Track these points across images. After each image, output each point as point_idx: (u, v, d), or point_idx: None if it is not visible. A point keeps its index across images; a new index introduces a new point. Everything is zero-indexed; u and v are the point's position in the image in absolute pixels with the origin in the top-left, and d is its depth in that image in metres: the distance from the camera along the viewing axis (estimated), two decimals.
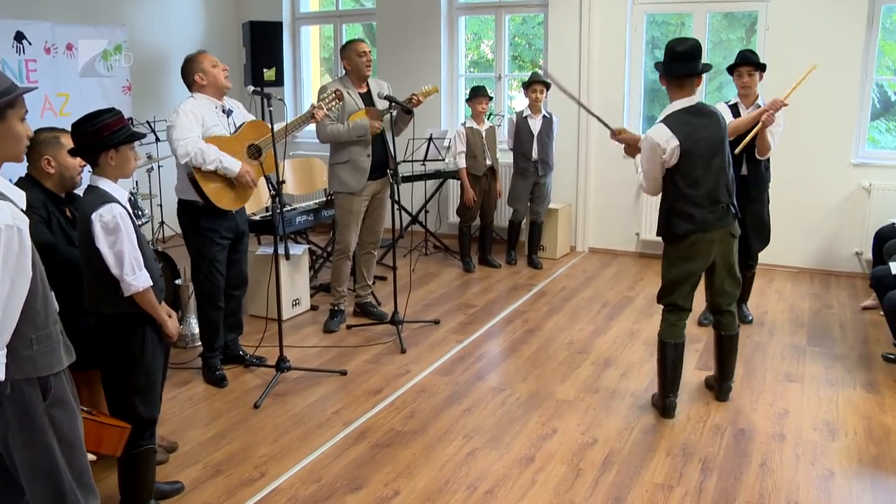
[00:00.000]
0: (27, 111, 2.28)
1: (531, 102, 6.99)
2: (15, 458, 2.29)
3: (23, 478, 2.31)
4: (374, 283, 5.96)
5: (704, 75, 4.25)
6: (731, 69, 5.39)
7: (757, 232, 5.38)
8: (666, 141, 3.90)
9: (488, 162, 7.13)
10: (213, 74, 4.50)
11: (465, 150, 7.01)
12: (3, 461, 2.34)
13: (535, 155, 7.01)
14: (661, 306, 4.25)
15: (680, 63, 3.93)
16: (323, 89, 5.20)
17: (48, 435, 2.29)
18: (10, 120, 2.19)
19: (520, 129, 7.05)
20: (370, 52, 5.38)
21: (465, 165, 7.03)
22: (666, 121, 3.97)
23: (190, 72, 4.51)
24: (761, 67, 5.27)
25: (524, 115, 7.05)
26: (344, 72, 5.44)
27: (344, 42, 5.51)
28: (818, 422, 4.14)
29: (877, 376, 4.72)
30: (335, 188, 5.48)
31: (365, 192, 5.43)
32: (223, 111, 4.58)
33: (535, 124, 7.01)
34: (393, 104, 5.23)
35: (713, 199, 4.00)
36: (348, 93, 5.27)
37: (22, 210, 2.18)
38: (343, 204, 5.45)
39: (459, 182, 7.19)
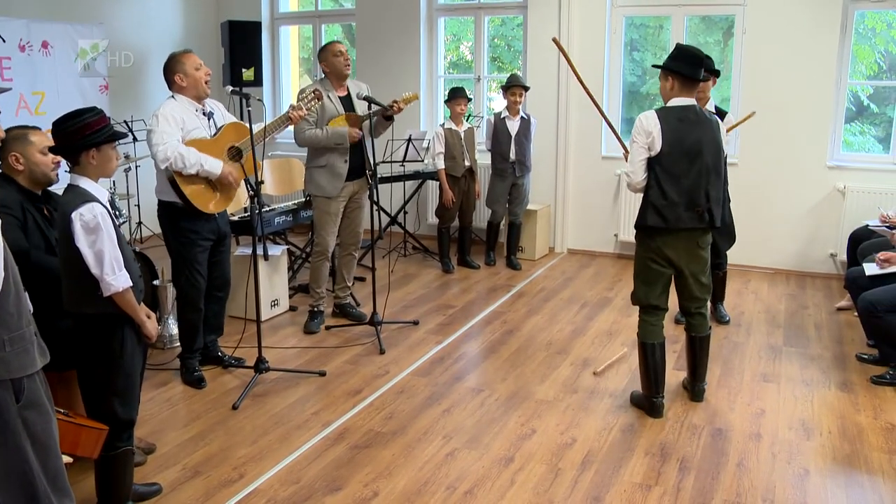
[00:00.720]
0: (0, 111, 2.26)
1: (510, 105, 7.03)
2: None
3: None
4: (353, 284, 5.96)
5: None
6: None
7: (720, 233, 5.44)
8: (652, 126, 4.01)
9: (467, 163, 7.14)
10: (194, 77, 4.42)
11: (443, 151, 7.02)
12: None
13: (512, 156, 7.04)
14: (638, 308, 4.31)
15: (690, 66, 4.04)
16: (302, 91, 5.18)
17: (21, 437, 2.25)
18: None
19: (497, 130, 7.07)
20: (347, 51, 5.37)
21: (443, 166, 7.04)
22: (659, 110, 4.09)
23: (171, 70, 4.43)
24: (715, 73, 5.35)
25: (502, 116, 7.07)
26: (323, 75, 5.43)
27: (322, 45, 5.47)
28: (794, 421, 4.19)
29: (851, 376, 4.78)
30: (311, 191, 5.48)
31: (342, 194, 5.43)
32: (204, 113, 4.51)
33: (513, 126, 7.04)
34: (372, 107, 5.21)
35: (690, 200, 4.04)
36: (328, 96, 5.27)
37: None
38: (320, 206, 5.45)
39: (438, 183, 7.20)
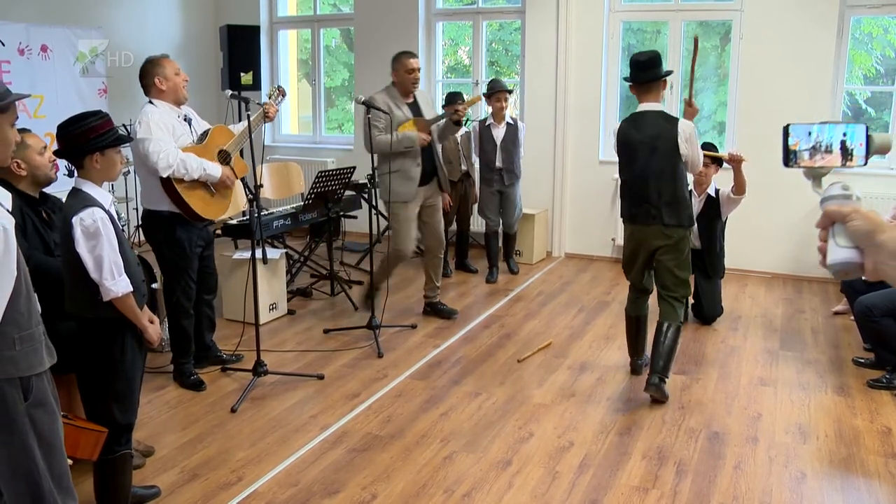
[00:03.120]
0: (17, 117, 2.29)
1: (495, 111, 6.87)
2: None
3: (1, 478, 2.30)
4: (440, 283, 6.08)
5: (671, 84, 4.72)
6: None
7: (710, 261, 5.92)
8: (616, 130, 4.52)
9: (464, 167, 7.16)
10: (174, 82, 4.42)
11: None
12: None
13: (499, 163, 6.85)
14: None
15: (642, 71, 4.37)
16: (372, 100, 5.33)
17: (28, 436, 2.28)
18: (2, 125, 2.21)
19: (483, 138, 6.92)
20: (419, 69, 5.54)
21: None
22: (624, 118, 4.55)
23: (150, 74, 4.40)
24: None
25: (487, 123, 6.92)
26: (391, 82, 5.56)
27: (395, 54, 5.59)
28: (791, 425, 4.21)
29: (847, 380, 4.80)
30: (387, 197, 5.56)
31: (417, 197, 5.57)
32: (184, 119, 4.53)
33: (499, 133, 6.86)
34: (441, 116, 5.54)
35: (638, 195, 4.40)
36: (396, 104, 5.42)
37: (7, 210, 2.17)
38: (397, 212, 5.56)
39: None
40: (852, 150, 1.35)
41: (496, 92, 6.79)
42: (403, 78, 5.47)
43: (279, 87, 5.09)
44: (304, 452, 3.88)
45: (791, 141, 1.35)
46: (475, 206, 7.47)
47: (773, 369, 4.99)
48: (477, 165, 7.20)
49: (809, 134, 1.34)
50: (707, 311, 5.83)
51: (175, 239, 4.47)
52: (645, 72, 4.36)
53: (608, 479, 3.64)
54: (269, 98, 4.94)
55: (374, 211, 5.48)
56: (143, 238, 7.74)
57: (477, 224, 7.81)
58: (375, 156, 5.33)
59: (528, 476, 3.66)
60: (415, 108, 5.54)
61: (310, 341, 5.48)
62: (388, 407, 4.42)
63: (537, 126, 7.50)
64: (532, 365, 5.05)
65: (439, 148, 5.74)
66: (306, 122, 9.62)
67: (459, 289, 6.84)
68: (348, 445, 3.96)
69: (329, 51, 9.74)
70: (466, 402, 4.50)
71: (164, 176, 4.27)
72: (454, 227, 7.42)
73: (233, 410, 4.34)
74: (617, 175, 4.54)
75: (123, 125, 7.08)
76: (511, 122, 6.91)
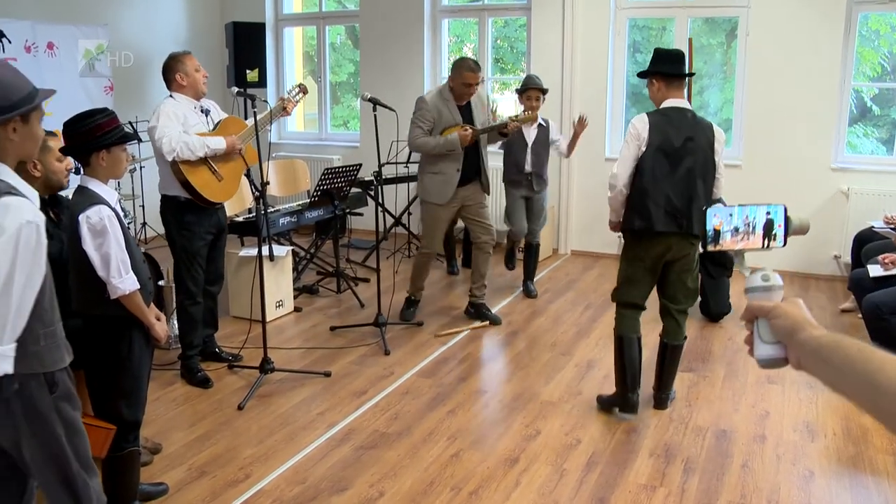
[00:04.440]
0: (44, 113, 2.35)
1: (526, 110, 6.15)
2: (24, 450, 2.33)
3: (33, 468, 2.37)
4: (487, 283, 5.94)
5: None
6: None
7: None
8: (642, 127, 3.99)
9: None
10: (194, 78, 4.59)
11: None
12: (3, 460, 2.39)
13: (528, 167, 6.22)
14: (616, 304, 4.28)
15: (676, 64, 4.05)
16: (422, 100, 5.40)
17: (57, 426, 2.35)
18: (33, 122, 2.27)
19: (513, 136, 6.11)
20: (477, 85, 5.44)
21: None
22: (650, 112, 4.08)
23: (172, 70, 4.58)
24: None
25: None
26: (448, 83, 5.51)
27: (455, 60, 5.59)
28: (798, 423, 4.20)
29: None
30: (423, 196, 5.59)
31: (453, 201, 5.54)
32: (202, 110, 4.67)
33: (530, 134, 6.23)
34: (491, 128, 5.53)
35: (670, 202, 3.96)
36: (447, 106, 5.41)
37: (37, 207, 2.23)
38: (429, 211, 5.59)
39: None
40: (774, 232, 1.37)
41: (528, 89, 6.22)
42: (461, 90, 5.41)
43: (302, 84, 5.10)
44: (311, 450, 3.88)
45: (714, 221, 1.36)
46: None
47: None
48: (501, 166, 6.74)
49: (731, 215, 1.35)
50: (714, 309, 5.82)
51: (184, 223, 4.58)
52: (679, 65, 4.06)
53: (616, 477, 3.63)
54: (290, 94, 4.99)
55: (380, 208, 5.47)
56: (149, 235, 7.79)
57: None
58: (418, 154, 5.40)
59: (536, 474, 3.66)
60: (466, 110, 5.48)
61: (316, 339, 5.49)
62: (395, 404, 4.42)
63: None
64: (539, 363, 5.04)
65: (485, 151, 5.65)
66: (312, 119, 9.62)
67: (466, 286, 6.78)
68: (355, 443, 3.96)
69: (334, 47, 9.73)
70: (473, 399, 4.49)
71: (170, 159, 4.40)
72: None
73: (240, 408, 4.34)
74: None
75: (129, 122, 7.09)
76: (543, 123, 6.34)
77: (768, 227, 1.36)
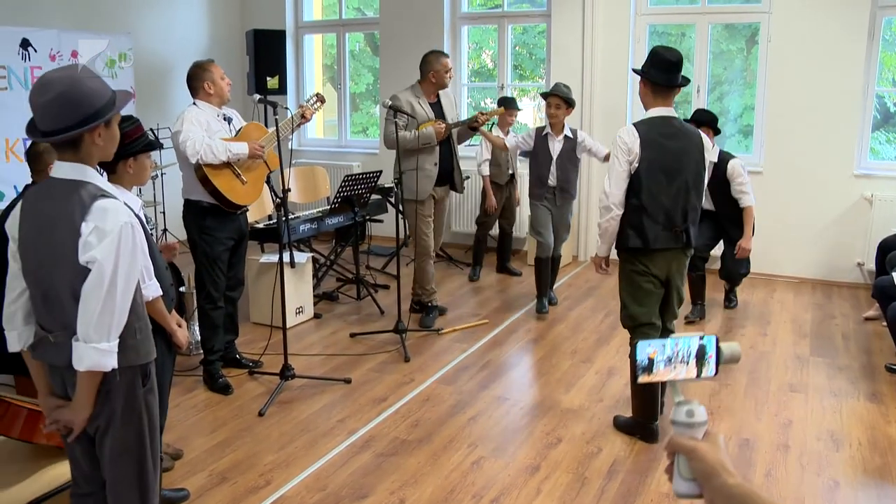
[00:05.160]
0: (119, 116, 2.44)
1: (549, 118, 6.03)
2: (108, 440, 2.38)
3: (109, 459, 2.41)
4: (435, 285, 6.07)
5: (698, 86, 4.30)
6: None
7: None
8: (632, 140, 3.83)
9: (510, 171, 7.16)
10: (220, 86, 4.65)
11: (489, 158, 7.03)
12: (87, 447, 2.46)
13: (552, 181, 5.99)
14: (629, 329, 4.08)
15: (674, 73, 3.84)
16: (395, 98, 5.51)
17: (143, 419, 2.43)
18: (113, 125, 2.37)
19: (538, 147, 6.04)
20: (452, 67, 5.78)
21: (488, 173, 7.06)
22: (637, 124, 3.92)
23: (199, 79, 4.61)
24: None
25: (544, 132, 6.02)
26: (418, 79, 5.72)
27: (424, 55, 5.74)
28: (822, 432, 4.15)
29: (880, 387, 4.73)
30: (404, 195, 5.67)
31: (432, 196, 5.73)
32: (224, 118, 4.71)
33: (555, 146, 5.97)
34: (462, 122, 5.72)
35: (668, 218, 3.87)
36: (419, 102, 5.59)
37: (134, 212, 2.35)
38: (415, 209, 5.67)
39: (482, 189, 7.18)
40: (707, 361, 1.39)
41: (550, 95, 5.94)
42: (442, 77, 5.61)
43: (319, 94, 5.17)
44: (332, 456, 3.89)
45: (649, 350, 1.37)
46: (518, 209, 7.47)
47: (803, 375, 4.93)
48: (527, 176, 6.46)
49: (664, 346, 1.37)
50: (731, 268, 6.02)
51: (206, 227, 4.62)
52: (671, 75, 3.82)
53: (637, 485, 3.61)
54: (308, 102, 5.06)
55: (400, 215, 5.50)
56: (170, 242, 7.83)
57: (518, 230, 7.73)
58: (399, 153, 5.48)
59: (557, 482, 3.64)
60: (437, 107, 5.69)
61: (336, 345, 5.49)
62: (415, 411, 4.41)
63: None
64: (559, 370, 5.02)
65: (458, 148, 5.89)
66: (331, 126, 9.65)
67: (486, 293, 6.82)
68: (376, 450, 3.95)
69: (354, 55, 9.77)
70: (494, 406, 4.48)
71: (194, 161, 4.44)
72: (495, 230, 7.43)
73: (260, 414, 4.35)
74: None
75: (150, 129, 7.15)
76: (570, 135, 6.03)
77: (700, 355, 1.38)
